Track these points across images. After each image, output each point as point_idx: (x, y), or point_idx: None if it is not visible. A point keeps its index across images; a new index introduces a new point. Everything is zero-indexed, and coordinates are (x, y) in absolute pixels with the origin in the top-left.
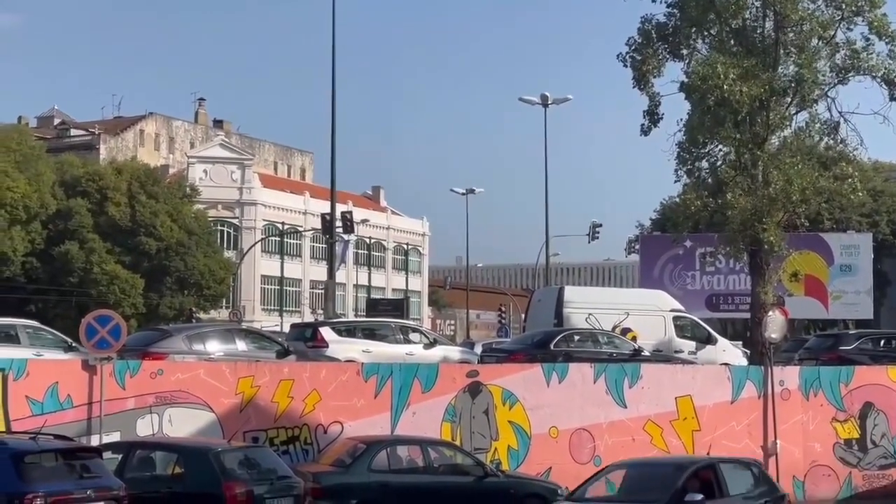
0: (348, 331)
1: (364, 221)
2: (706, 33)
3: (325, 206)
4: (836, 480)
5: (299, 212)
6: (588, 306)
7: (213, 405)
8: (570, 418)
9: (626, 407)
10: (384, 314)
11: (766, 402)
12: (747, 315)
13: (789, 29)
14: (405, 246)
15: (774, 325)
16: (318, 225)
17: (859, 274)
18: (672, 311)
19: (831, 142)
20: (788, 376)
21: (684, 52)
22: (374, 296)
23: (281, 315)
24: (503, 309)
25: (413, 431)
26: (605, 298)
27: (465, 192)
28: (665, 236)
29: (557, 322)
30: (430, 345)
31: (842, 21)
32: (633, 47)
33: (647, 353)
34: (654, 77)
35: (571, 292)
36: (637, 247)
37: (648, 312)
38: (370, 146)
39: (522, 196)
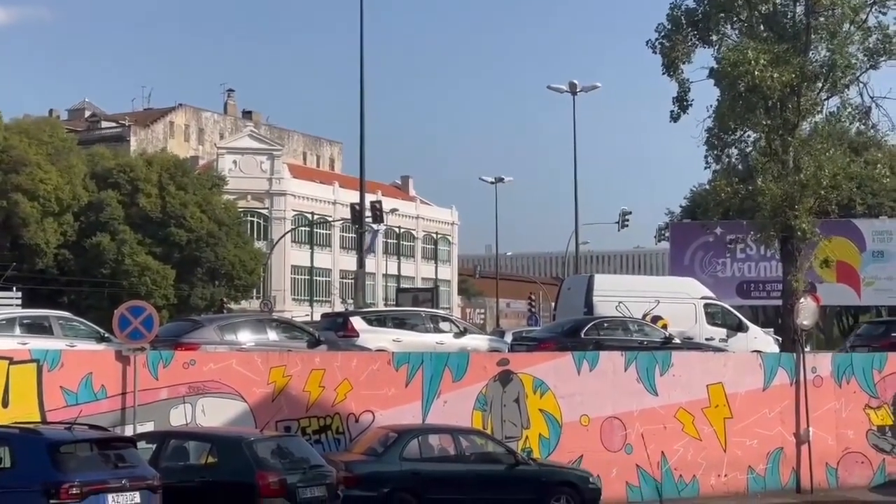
0: (379, 320)
1: (393, 211)
2: (735, 18)
3: (354, 196)
4: (870, 467)
5: (329, 202)
6: (618, 294)
7: (245, 395)
8: (602, 406)
9: (657, 395)
10: (414, 303)
11: (799, 390)
12: (779, 302)
13: (820, 13)
14: (434, 235)
15: (806, 312)
16: (348, 215)
17: (892, 260)
18: (702, 298)
19: (862, 127)
20: (821, 363)
21: (714, 38)
22: (404, 285)
23: (311, 305)
24: (533, 297)
25: (444, 420)
26: (636, 286)
27: (494, 180)
28: (695, 223)
29: (587, 310)
30: (461, 334)
31: (874, 5)
32: (662, 34)
33: (677, 341)
34: (684, 63)
35: (601, 280)
36: (667, 234)
37: (679, 300)
38: (399, 136)
39: (551, 185)
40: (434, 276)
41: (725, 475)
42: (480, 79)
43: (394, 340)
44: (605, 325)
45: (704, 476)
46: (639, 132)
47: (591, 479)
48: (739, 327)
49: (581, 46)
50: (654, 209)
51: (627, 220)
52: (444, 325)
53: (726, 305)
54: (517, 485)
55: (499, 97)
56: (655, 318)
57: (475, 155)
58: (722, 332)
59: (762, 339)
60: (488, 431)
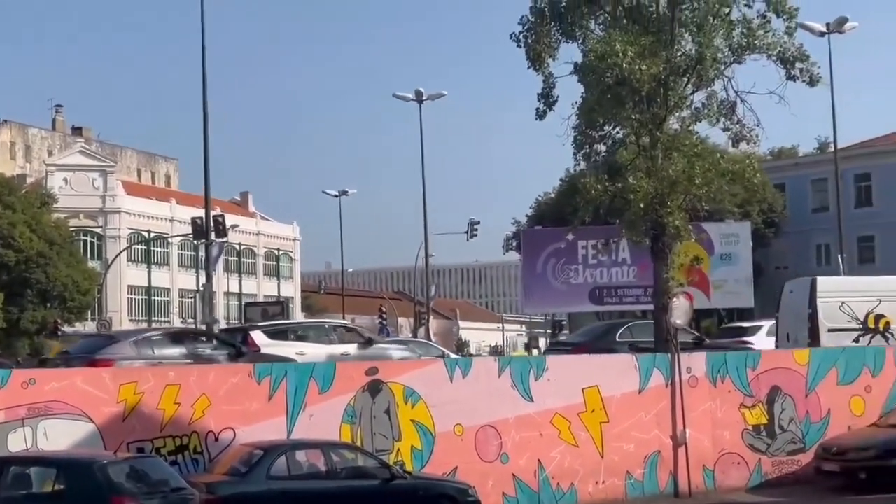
0: (281, 333)
1: (233, 227)
2: (599, 11)
3: (192, 213)
4: (746, 468)
5: (166, 219)
6: (841, 295)
7: (92, 415)
8: (476, 415)
9: (532, 401)
10: (264, 318)
11: (674, 391)
12: (632, 307)
13: (685, 5)
14: (276, 251)
15: (680, 311)
16: (186, 232)
17: (739, 263)
18: None
19: (728, 123)
20: (695, 363)
21: (577, 32)
22: (245, 303)
23: (149, 325)
24: (384, 311)
25: (311, 435)
26: (858, 287)
27: (337, 193)
28: (548, 230)
29: (812, 312)
30: (366, 344)
31: None
32: (526, 27)
33: (708, 341)
34: (549, 58)
35: (824, 282)
36: (515, 244)
37: None
38: (238, 151)
39: (396, 196)
40: (277, 294)
41: (603, 482)
42: (323, 89)
43: (297, 353)
44: (638, 327)
45: (582, 483)
46: (484, 142)
47: (469, 492)
48: None
49: (428, 54)
50: (501, 220)
51: (476, 230)
52: (348, 336)
53: None
54: (394, 500)
55: (343, 107)
56: (878, 318)
57: (318, 168)
58: None
59: None
60: (358, 445)
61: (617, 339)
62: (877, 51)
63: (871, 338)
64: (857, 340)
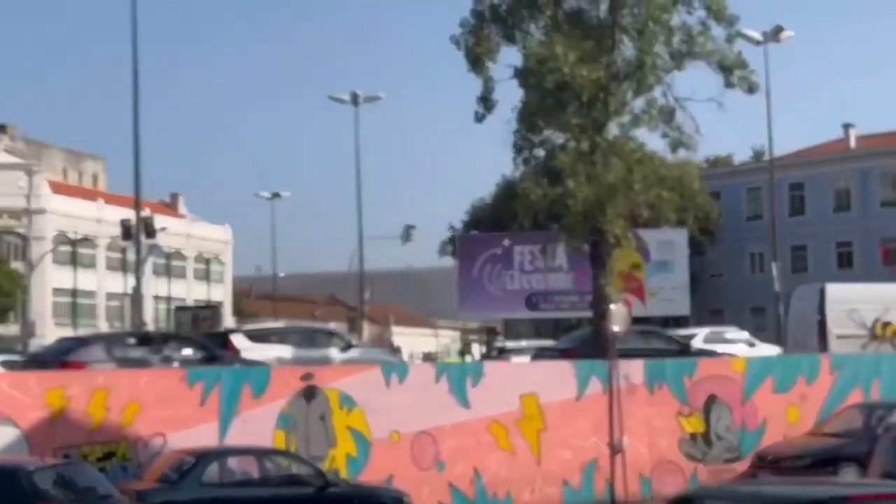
0: (261, 337)
1: (163, 229)
2: (540, 14)
3: (121, 214)
4: (683, 476)
5: (93, 220)
6: (850, 302)
7: (17, 420)
8: (412, 421)
9: (469, 407)
10: (194, 323)
11: (612, 398)
12: (568, 314)
13: (625, 11)
14: (207, 254)
15: (618, 318)
16: (113, 233)
17: (675, 270)
18: None
19: (668, 129)
20: (633, 370)
21: (517, 34)
22: (175, 307)
23: (75, 328)
24: (318, 316)
25: (244, 441)
26: (866, 294)
27: (270, 196)
28: (484, 235)
29: (821, 319)
30: (346, 348)
31: (677, 3)
32: (467, 29)
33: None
34: (489, 61)
35: (833, 289)
36: (451, 249)
37: None
38: (169, 150)
39: (330, 200)
40: (207, 298)
41: (539, 490)
42: (258, 88)
43: (277, 357)
44: (638, 333)
45: (518, 492)
46: (420, 145)
47: (404, 500)
48: None
49: (366, 54)
50: (436, 224)
51: (412, 235)
52: (328, 340)
53: None
54: None
55: (277, 107)
56: (886, 325)
57: (253, 170)
58: None
59: None
60: (293, 451)
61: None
62: (812, 60)
63: (879, 345)
64: (864, 347)
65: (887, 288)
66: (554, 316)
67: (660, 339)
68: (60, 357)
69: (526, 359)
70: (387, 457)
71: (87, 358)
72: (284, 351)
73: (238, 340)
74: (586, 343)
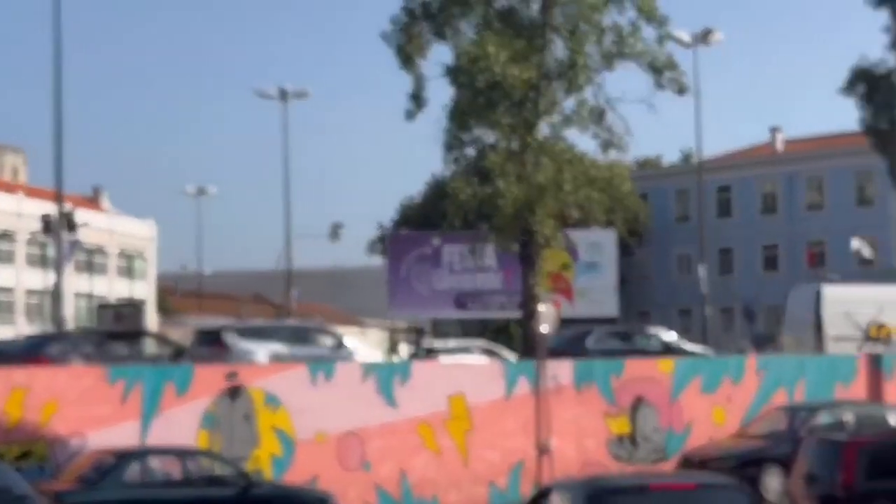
0: (252, 334)
1: (84, 225)
2: (471, 13)
3: (41, 208)
4: None
5: (13, 214)
6: (846, 303)
7: None
8: (338, 421)
9: (396, 407)
10: (117, 321)
11: (540, 399)
12: (497, 314)
13: (557, 10)
14: (130, 251)
15: (547, 318)
16: (34, 228)
17: (604, 271)
18: None
19: (598, 129)
20: (561, 370)
21: (448, 32)
22: (98, 304)
23: None
24: (243, 314)
25: (166, 440)
26: (862, 296)
27: (196, 192)
28: (413, 234)
29: (817, 320)
30: (338, 345)
31: (608, 3)
32: (398, 26)
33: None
34: (419, 58)
35: (830, 291)
36: (380, 248)
37: None
38: (92, 144)
39: (257, 197)
40: (130, 295)
41: (466, 491)
42: (186, 82)
43: (270, 355)
44: (610, 333)
45: (445, 493)
46: (349, 142)
47: (329, 501)
48: None
49: (294, 48)
50: (365, 223)
51: (340, 233)
52: (320, 338)
53: None
54: None
55: (207, 102)
56: (880, 326)
57: (179, 166)
58: None
59: None
60: (216, 452)
61: (589, 345)
62: (742, 64)
63: (873, 346)
64: (859, 349)
65: (883, 290)
66: (482, 316)
67: (645, 340)
68: (30, 352)
69: (454, 358)
70: (312, 457)
71: (56, 353)
72: (276, 348)
73: (230, 338)
74: (572, 342)
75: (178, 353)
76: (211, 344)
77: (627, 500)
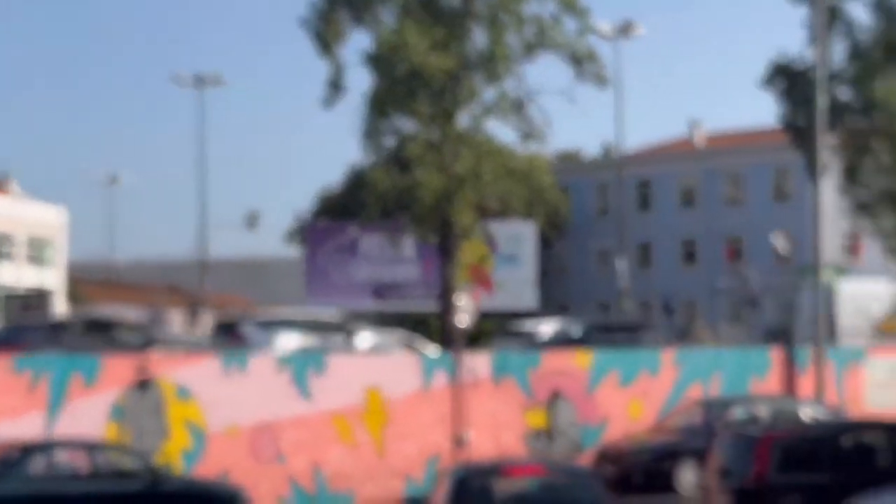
0: (268, 325)
1: None
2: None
3: None
4: None
5: None
6: (859, 298)
7: None
8: (251, 414)
9: (311, 400)
10: (25, 310)
11: (457, 391)
12: (416, 305)
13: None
14: (38, 237)
15: (465, 310)
16: None
17: (523, 264)
18: None
19: (518, 120)
20: (479, 363)
21: (368, 18)
22: (4, 294)
23: None
24: (156, 305)
25: (74, 432)
26: (875, 291)
27: (108, 180)
28: (332, 225)
29: (830, 315)
30: (350, 335)
31: None
32: (317, 12)
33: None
34: (338, 45)
35: (843, 286)
36: (298, 238)
37: None
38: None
39: (173, 185)
40: (39, 283)
41: (382, 484)
42: (103, 66)
43: (286, 345)
44: (609, 326)
45: (360, 486)
46: (266, 130)
47: (239, 495)
48: None
49: (210, 33)
50: (282, 212)
51: (257, 223)
52: (335, 329)
53: None
54: None
55: (120, 87)
56: (890, 321)
57: (94, 151)
58: None
59: None
60: (125, 444)
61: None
62: (663, 57)
63: (880, 341)
64: (871, 343)
65: (885, 283)
66: (401, 307)
67: (643, 331)
68: (7, 341)
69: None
70: (224, 450)
71: (28, 341)
72: (294, 339)
73: (247, 329)
74: (569, 335)
75: (148, 342)
76: (227, 335)
77: (486, 481)
